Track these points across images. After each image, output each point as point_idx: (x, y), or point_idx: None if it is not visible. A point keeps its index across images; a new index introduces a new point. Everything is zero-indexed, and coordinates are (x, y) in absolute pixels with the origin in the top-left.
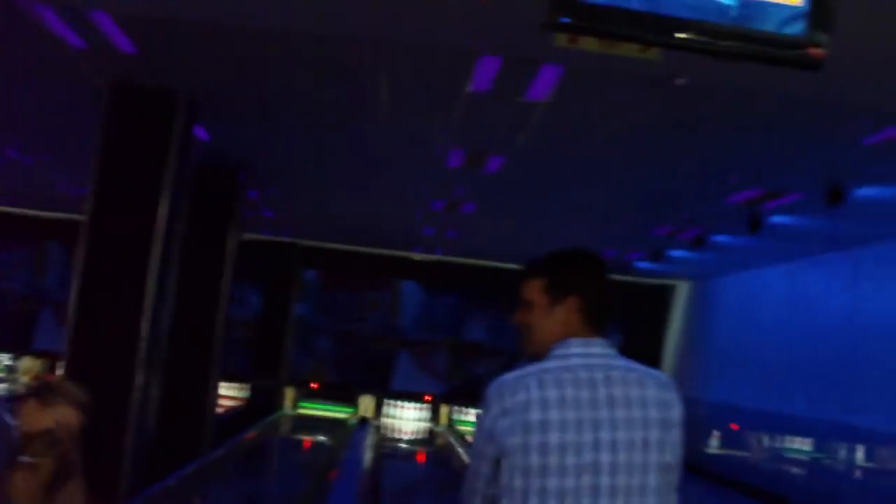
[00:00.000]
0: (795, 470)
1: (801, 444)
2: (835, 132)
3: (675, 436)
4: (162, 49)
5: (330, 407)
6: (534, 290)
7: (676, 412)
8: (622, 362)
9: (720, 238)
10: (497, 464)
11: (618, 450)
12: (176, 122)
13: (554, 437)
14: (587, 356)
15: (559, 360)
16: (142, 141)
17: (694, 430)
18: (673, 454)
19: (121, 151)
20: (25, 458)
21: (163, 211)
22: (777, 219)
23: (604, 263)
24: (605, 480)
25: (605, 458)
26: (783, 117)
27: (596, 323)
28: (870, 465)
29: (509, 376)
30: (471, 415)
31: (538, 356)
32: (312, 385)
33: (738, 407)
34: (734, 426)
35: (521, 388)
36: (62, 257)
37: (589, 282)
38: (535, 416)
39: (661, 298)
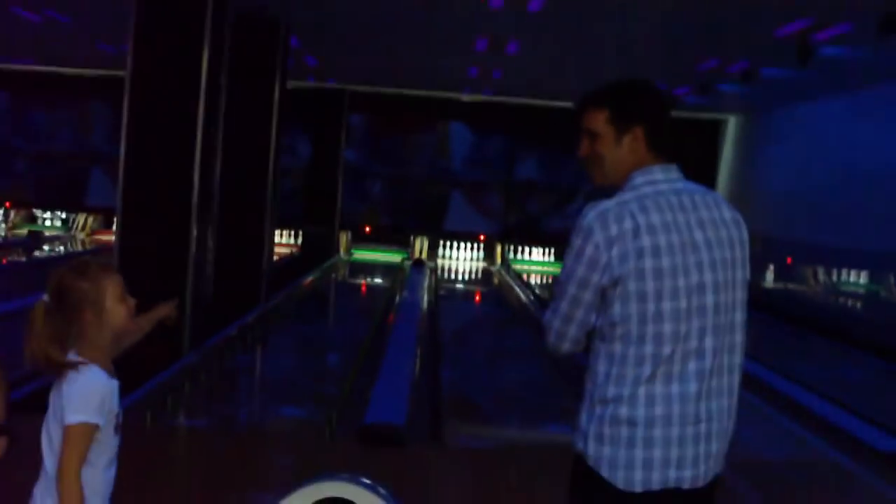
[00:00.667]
0: (852, 303)
1: (856, 277)
2: None
3: (748, 253)
4: None
5: (384, 251)
6: (598, 121)
7: (746, 231)
8: (697, 186)
9: (770, 71)
10: (603, 292)
11: (717, 269)
12: None
13: (666, 261)
14: (671, 181)
15: (649, 187)
16: None
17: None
18: (749, 270)
19: (158, 4)
20: None
21: (205, 63)
22: (828, 50)
23: (663, 93)
24: (710, 298)
25: (708, 277)
26: None
27: (664, 150)
28: None
29: (609, 204)
30: (527, 253)
31: (612, 186)
32: (366, 229)
33: (792, 240)
34: (789, 260)
35: (625, 214)
36: (106, 114)
37: (652, 111)
38: (645, 241)
39: (711, 133)
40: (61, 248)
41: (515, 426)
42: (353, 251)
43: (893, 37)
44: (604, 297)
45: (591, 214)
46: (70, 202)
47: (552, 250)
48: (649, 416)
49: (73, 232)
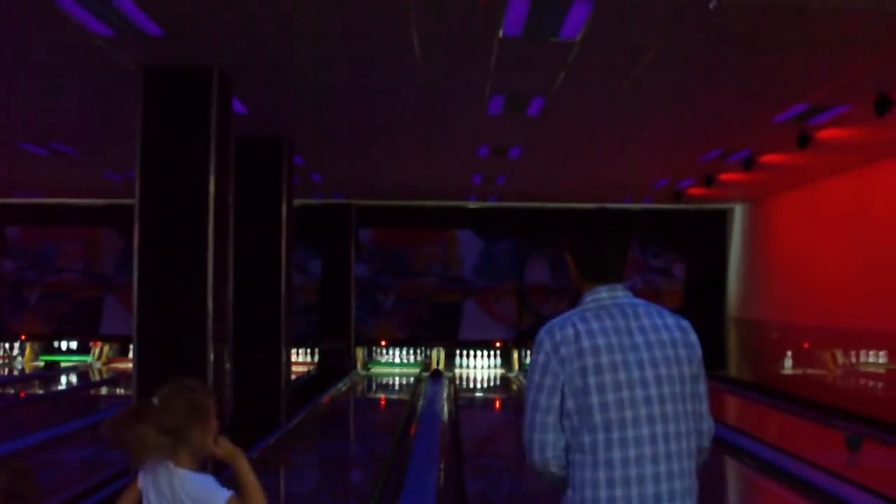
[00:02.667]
0: (872, 384)
1: (875, 358)
2: (877, 42)
3: (696, 352)
4: (188, 27)
5: (401, 364)
6: (569, 262)
7: (692, 334)
8: (641, 301)
9: (771, 157)
10: (561, 394)
11: (657, 365)
12: (212, 97)
13: (605, 358)
14: (613, 297)
15: (593, 302)
16: (181, 120)
17: (767, 352)
18: (697, 367)
19: (162, 133)
20: None
21: (211, 187)
22: (826, 133)
23: (612, 229)
24: (653, 391)
25: (649, 372)
26: (825, 31)
27: (602, 276)
28: None
29: (556, 318)
30: None
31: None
32: (382, 343)
33: (808, 325)
34: (806, 345)
35: (567, 324)
36: (116, 242)
37: (578, 246)
38: (585, 343)
39: (718, 223)
40: (74, 378)
41: None
42: (370, 366)
43: (890, 116)
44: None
45: (542, 329)
46: (84, 331)
47: None
48: (610, 496)
49: (89, 361)
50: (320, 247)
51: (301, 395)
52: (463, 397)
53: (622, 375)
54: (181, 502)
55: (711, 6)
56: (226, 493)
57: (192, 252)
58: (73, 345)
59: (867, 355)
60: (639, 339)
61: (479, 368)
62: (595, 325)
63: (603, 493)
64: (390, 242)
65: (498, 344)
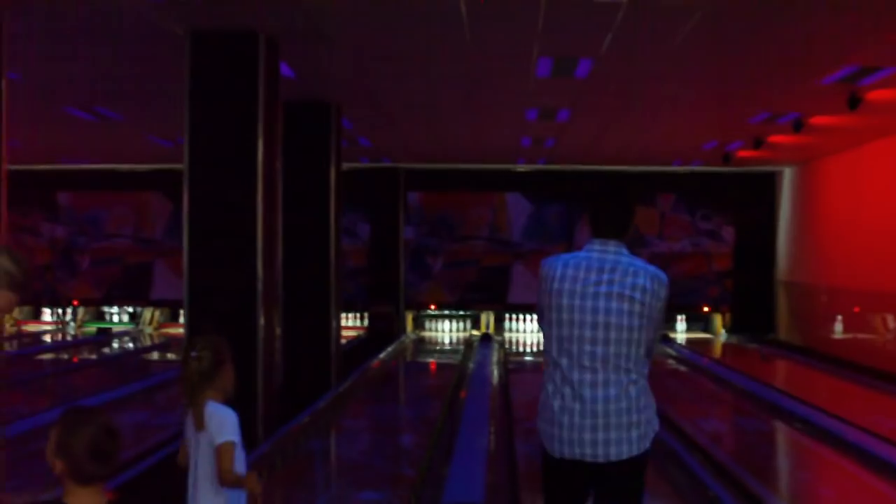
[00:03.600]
0: None
1: None
2: None
3: (652, 311)
4: None
5: (451, 327)
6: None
7: (658, 299)
8: (628, 259)
9: (821, 119)
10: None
11: (611, 310)
12: (259, 61)
13: (565, 300)
14: (602, 251)
15: (584, 252)
16: (229, 84)
17: (817, 316)
18: (647, 322)
19: (210, 98)
20: None
21: (260, 151)
22: (876, 94)
23: (612, 192)
24: (601, 319)
25: (601, 311)
26: None
27: (603, 231)
28: None
29: (549, 258)
30: None
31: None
32: (431, 306)
33: (857, 289)
34: (856, 309)
35: (555, 264)
36: (166, 208)
37: (591, 208)
38: (556, 284)
39: (767, 186)
40: (130, 343)
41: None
42: (420, 327)
43: None
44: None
45: (542, 263)
46: (135, 297)
47: None
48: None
49: (140, 326)
50: (369, 210)
51: (351, 359)
52: (512, 361)
53: (577, 306)
54: (207, 427)
55: None
56: (229, 437)
57: (241, 217)
58: (125, 317)
59: None
60: (603, 288)
61: (529, 332)
62: (570, 272)
63: (548, 387)
64: (439, 206)
65: None
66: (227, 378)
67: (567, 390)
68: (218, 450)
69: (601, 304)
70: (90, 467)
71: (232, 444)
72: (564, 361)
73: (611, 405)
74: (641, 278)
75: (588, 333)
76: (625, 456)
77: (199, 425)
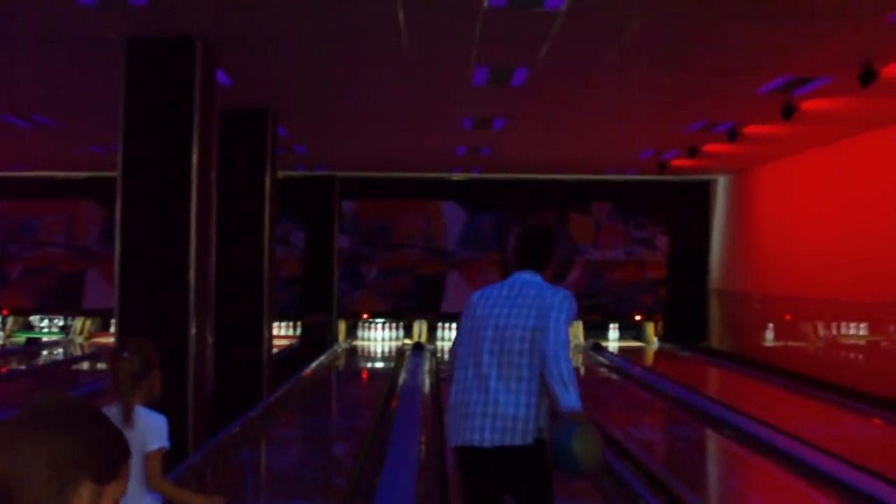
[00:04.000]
0: (853, 356)
1: (856, 330)
2: (861, 13)
3: (547, 323)
4: None
5: (384, 336)
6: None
7: (550, 315)
8: (538, 281)
9: (755, 128)
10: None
11: (510, 321)
12: (196, 68)
13: (480, 311)
14: (515, 278)
15: (508, 280)
16: (165, 91)
17: (749, 324)
18: (541, 334)
19: (145, 105)
20: None
21: (194, 159)
22: (810, 104)
23: (525, 232)
24: (502, 332)
25: (501, 322)
26: (810, 1)
27: (523, 264)
28: None
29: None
30: None
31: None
32: (363, 315)
33: (789, 297)
34: (787, 317)
35: (479, 291)
36: (99, 216)
37: (511, 246)
38: (476, 304)
39: (702, 195)
40: (60, 351)
41: None
42: (351, 337)
43: (874, 87)
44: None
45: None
46: (67, 306)
47: None
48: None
49: (70, 336)
50: (303, 219)
51: (283, 368)
52: (445, 370)
53: (488, 321)
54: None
55: None
56: (163, 443)
57: (174, 225)
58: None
59: (848, 327)
60: (507, 305)
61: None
62: (489, 291)
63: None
64: (373, 214)
65: None
66: (154, 382)
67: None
68: (151, 455)
69: (505, 311)
70: None
71: (163, 450)
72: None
73: None
74: (543, 298)
75: (492, 333)
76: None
77: (129, 424)
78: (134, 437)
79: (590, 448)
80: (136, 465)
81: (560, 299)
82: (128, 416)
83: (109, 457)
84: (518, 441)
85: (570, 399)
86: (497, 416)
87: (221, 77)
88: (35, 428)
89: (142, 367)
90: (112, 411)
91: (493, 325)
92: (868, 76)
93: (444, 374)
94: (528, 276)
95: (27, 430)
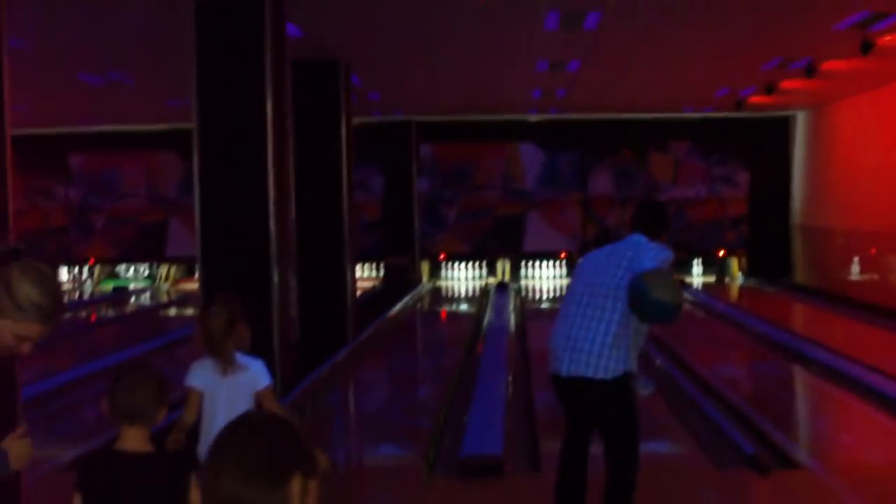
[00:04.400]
0: None
1: None
2: None
3: (639, 262)
4: None
5: (467, 275)
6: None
7: (647, 253)
8: (638, 238)
9: (832, 64)
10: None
11: (606, 272)
12: (265, 21)
13: (583, 265)
14: (628, 238)
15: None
16: (235, 43)
17: (833, 259)
18: (636, 263)
19: (218, 58)
20: None
21: (269, 110)
22: (889, 38)
23: (646, 204)
24: (594, 286)
25: (600, 274)
26: None
27: (636, 227)
28: None
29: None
30: None
31: None
32: (442, 257)
33: (873, 231)
34: (873, 251)
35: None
36: (178, 166)
37: (632, 215)
38: (583, 262)
39: (781, 131)
40: (147, 298)
41: None
42: (435, 277)
43: None
44: None
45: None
46: (151, 254)
47: None
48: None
49: (156, 283)
50: (382, 164)
51: (368, 310)
52: (529, 308)
53: (580, 277)
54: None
55: None
56: (269, 381)
57: (252, 175)
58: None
59: None
60: (603, 260)
61: (545, 279)
62: (598, 251)
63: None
64: (451, 157)
65: (563, 254)
66: (242, 334)
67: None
68: (264, 394)
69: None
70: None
71: (270, 386)
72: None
73: None
74: (630, 248)
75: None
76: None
77: (231, 371)
78: (241, 381)
79: (667, 291)
80: (246, 405)
81: (656, 246)
82: (228, 365)
83: (310, 453)
84: (591, 373)
85: (651, 263)
86: (575, 350)
87: (291, 29)
88: (250, 433)
89: (229, 319)
90: (206, 364)
91: (591, 270)
92: None
93: (528, 312)
94: (637, 236)
95: (242, 436)
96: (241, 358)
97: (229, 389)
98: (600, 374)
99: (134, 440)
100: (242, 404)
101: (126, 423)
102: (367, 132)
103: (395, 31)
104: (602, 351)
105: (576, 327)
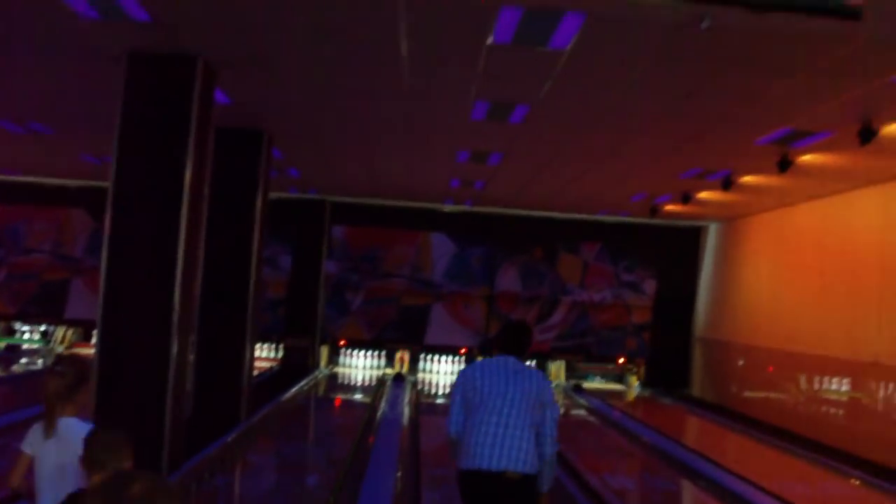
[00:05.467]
0: (834, 412)
1: (838, 385)
2: (866, 70)
3: (545, 396)
4: (175, 15)
5: (364, 364)
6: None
7: (546, 390)
8: (523, 366)
9: (750, 178)
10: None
11: (516, 394)
12: (195, 86)
13: (486, 386)
14: (505, 359)
15: (492, 359)
16: (162, 107)
17: (731, 374)
18: (543, 402)
19: (142, 118)
20: None
21: (188, 175)
22: (807, 157)
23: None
24: (511, 405)
25: (510, 395)
26: (812, 58)
27: (504, 349)
28: None
29: (473, 364)
30: None
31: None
32: (342, 343)
33: (774, 349)
34: (770, 369)
35: (471, 369)
36: (87, 225)
37: (497, 338)
38: (477, 381)
39: (692, 241)
40: (39, 361)
41: None
42: (334, 363)
43: (872, 145)
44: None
45: (460, 372)
46: (49, 314)
47: (534, 362)
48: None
49: (51, 345)
50: (292, 241)
51: (262, 391)
52: (424, 402)
53: (494, 395)
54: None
55: (703, 26)
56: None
57: (163, 240)
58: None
59: (831, 383)
60: (510, 381)
61: (443, 374)
62: (486, 371)
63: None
64: (363, 241)
65: (463, 350)
66: (86, 396)
67: None
68: None
69: (511, 388)
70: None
71: None
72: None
73: None
74: (533, 379)
75: (501, 405)
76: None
77: (51, 435)
78: (61, 446)
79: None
80: (71, 468)
81: (550, 384)
82: (50, 427)
83: None
84: (521, 468)
85: (555, 415)
86: (503, 447)
87: (220, 96)
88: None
89: (74, 381)
90: (39, 427)
91: (502, 392)
92: (867, 134)
93: (423, 406)
94: (513, 359)
95: None
96: (72, 423)
97: (58, 453)
98: (528, 469)
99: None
100: (72, 469)
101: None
102: (281, 208)
103: (320, 106)
104: (529, 448)
105: (501, 426)
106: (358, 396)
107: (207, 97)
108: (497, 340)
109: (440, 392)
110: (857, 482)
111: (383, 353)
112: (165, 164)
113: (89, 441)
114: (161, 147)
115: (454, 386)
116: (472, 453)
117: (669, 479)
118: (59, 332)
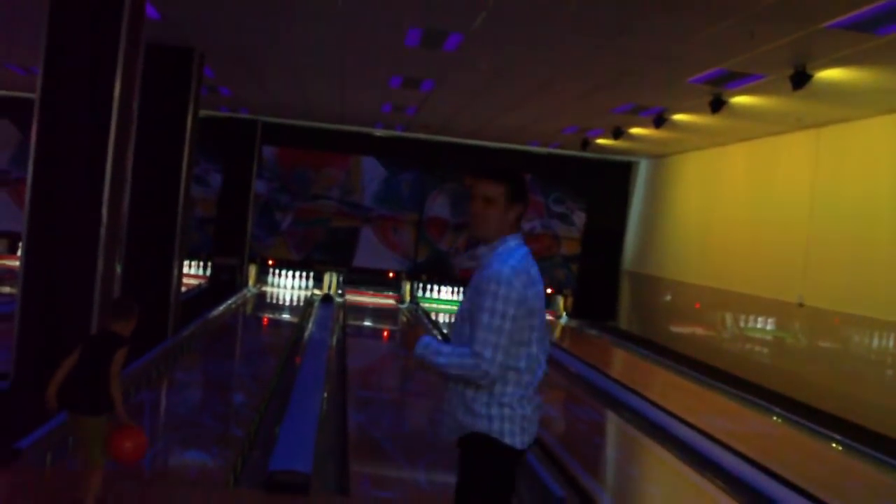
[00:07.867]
0: (758, 350)
1: (763, 325)
2: (801, 16)
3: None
4: None
5: (293, 284)
6: (496, 192)
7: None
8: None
9: (682, 116)
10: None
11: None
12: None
13: (538, 302)
14: (522, 245)
15: (520, 248)
16: (91, 18)
17: (658, 308)
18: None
19: (70, 30)
20: None
21: (117, 89)
22: (740, 99)
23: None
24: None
25: (542, 306)
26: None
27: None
28: (833, 345)
29: (513, 262)
30: (436, 291)
31: (485, 240)
32: (271, 262)
33: (700, 286)
34: (697, 305)
35: (525, 269)
36: (14, 136)
37: (527, 198)
38: (530, 290)
39: (622, 176)
40: None
41: (423, 472)
42: (262, 282)
43: (804, 90)
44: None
45: (507, 270)
46: None
47: (461, 289)
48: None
49: None
50: (222, 160)
51: (190, 309)
52: (352, 325)
53: (539, 308)
54: None
55: None
56: None
57: (91, 155)
58: None
59: (756, 322)
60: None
61: (371, 296)
62: (533, 272)
63: (518, 390)
64: (293, 162)
65: (391, 274)
66: None
67: (532, 391)
68: None
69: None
70: None
71: None
72: (527, 365)
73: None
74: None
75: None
76: None
77: None
78: None
79: None
80: None
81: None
82: None
83: None
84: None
85: None
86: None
87: (150, 11)
88: None
89: None
90: None
91: (540, 308)
92: (800, 78)
93: (350, 329)
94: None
95: None
96: None
97: None
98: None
99: None
100: None
101: None
102: (212, 126)
103: (253, 26)
104: None
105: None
106: (286, 316)
107: (138, 11)
108: (524, 197)
109: (367, 314)
110: (778, 419)
111: (312, 274)
112: (94, 77)
113: None
114: (90, 59)
115: (503, 298)
116: (532, 418)
117: (594, 409)
118: None
